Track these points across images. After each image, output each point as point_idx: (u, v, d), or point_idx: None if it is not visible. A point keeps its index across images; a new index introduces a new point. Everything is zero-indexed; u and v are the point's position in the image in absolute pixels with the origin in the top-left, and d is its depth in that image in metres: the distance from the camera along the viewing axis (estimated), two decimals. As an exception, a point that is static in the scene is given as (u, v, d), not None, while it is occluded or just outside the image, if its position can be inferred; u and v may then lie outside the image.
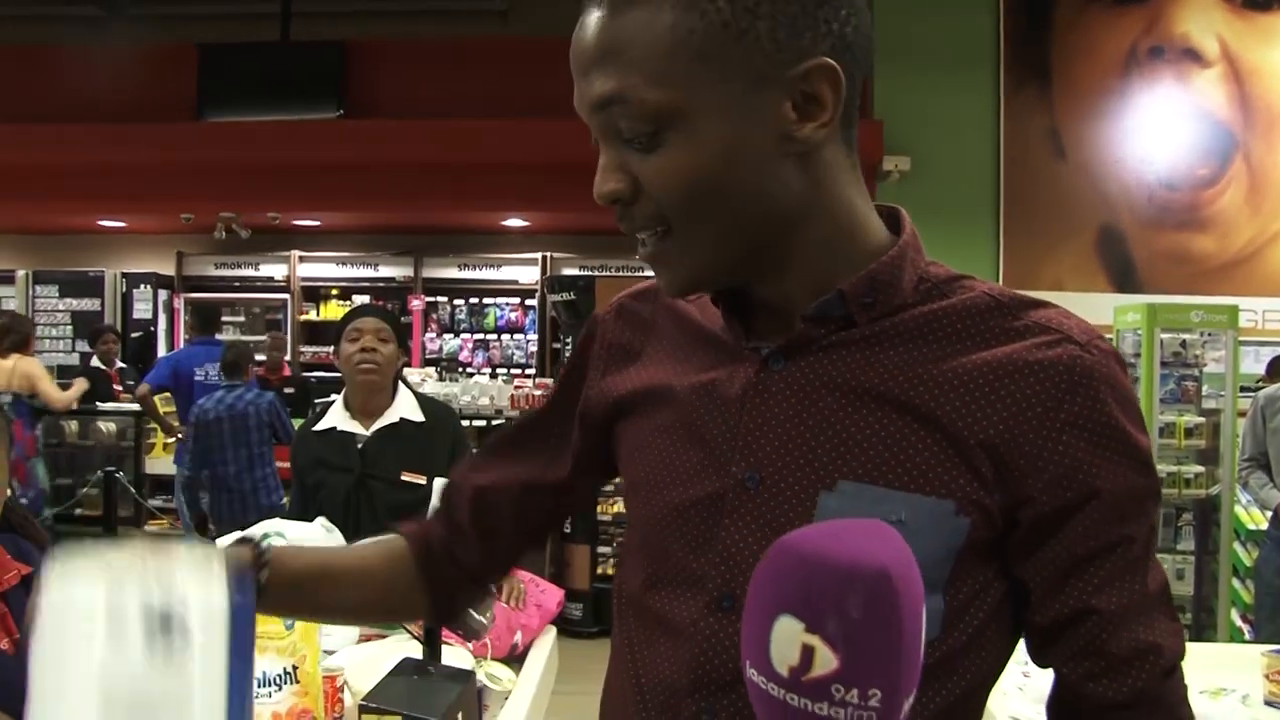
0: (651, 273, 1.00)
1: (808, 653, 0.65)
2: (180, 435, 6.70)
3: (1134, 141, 7.44)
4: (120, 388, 8.03)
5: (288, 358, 9.09)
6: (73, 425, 7.71)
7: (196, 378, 6.68)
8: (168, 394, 6.78)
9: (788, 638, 0.66)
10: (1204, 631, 5.34)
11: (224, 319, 10.12)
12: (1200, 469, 5.43)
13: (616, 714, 1.06)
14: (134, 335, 10.22)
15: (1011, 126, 7.47)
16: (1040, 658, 0.96)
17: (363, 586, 1.22)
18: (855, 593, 0.64)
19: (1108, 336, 6.02)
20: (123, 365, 8.38)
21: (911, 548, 0.88)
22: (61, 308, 10.48)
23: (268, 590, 1.04)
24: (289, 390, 7.30)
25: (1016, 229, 7.48)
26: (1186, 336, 5.45)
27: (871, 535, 0.68)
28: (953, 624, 0.92)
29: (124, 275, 10.40)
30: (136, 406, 7.04)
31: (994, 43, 7.49)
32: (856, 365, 0.94)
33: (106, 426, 7.62)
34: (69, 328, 10.31)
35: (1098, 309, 6.32)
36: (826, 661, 0.65)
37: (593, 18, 0.91)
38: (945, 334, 0.94)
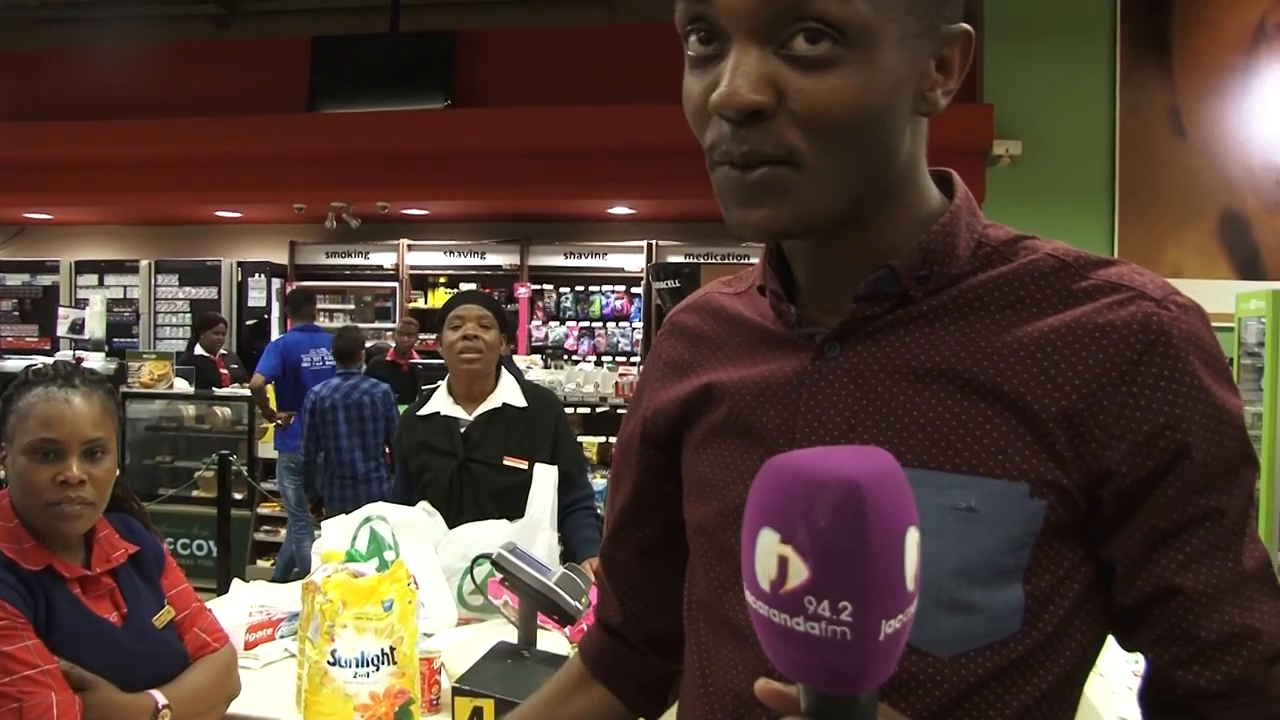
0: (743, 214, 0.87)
1: (783, 564, 0.65)
2: (279, 421, 6.84)
3: (1261, 121, 7.12)
4: (225, 372, 8.24)
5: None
6: (190, 410, 7.95)
7: (304, 364, 6.82)
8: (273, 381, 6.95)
9: (767, 549, 0.66)
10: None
11: (336, 307, 10.34)
12: (1328, 462, 5.20)
13: (689, 717, 1.03)
14: (248, 323, 10.50)
15: (1129, 105, 7.20)
16: (1127, 641, 0.90)
17: None
18: (823, 500, 0.63)
19: (1229, 326, 5.78)
20: (224, 352, 8.58)
21: (985, 535, 0.85)
22: (181, 296, 10.81)
23: None
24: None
25: (1133, 213, 7.22)
26: (1315, 324, 5.22)
27: (857, 454, 0.67)
28: (1036, 614, 0.86)
29: (239, 264, 10.69)
30: (248, 392, 7.22)
31: (1110, 18, 7.22)
32: (916, 345, 0.89)
33: (222, 411, 7.83)
34: (187, 315, 10.63)
35: (1219, 296, 6.10)
36: (799, 572, 0.64)
37: None
38: (1008, 302, 0.88)
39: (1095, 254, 0.91)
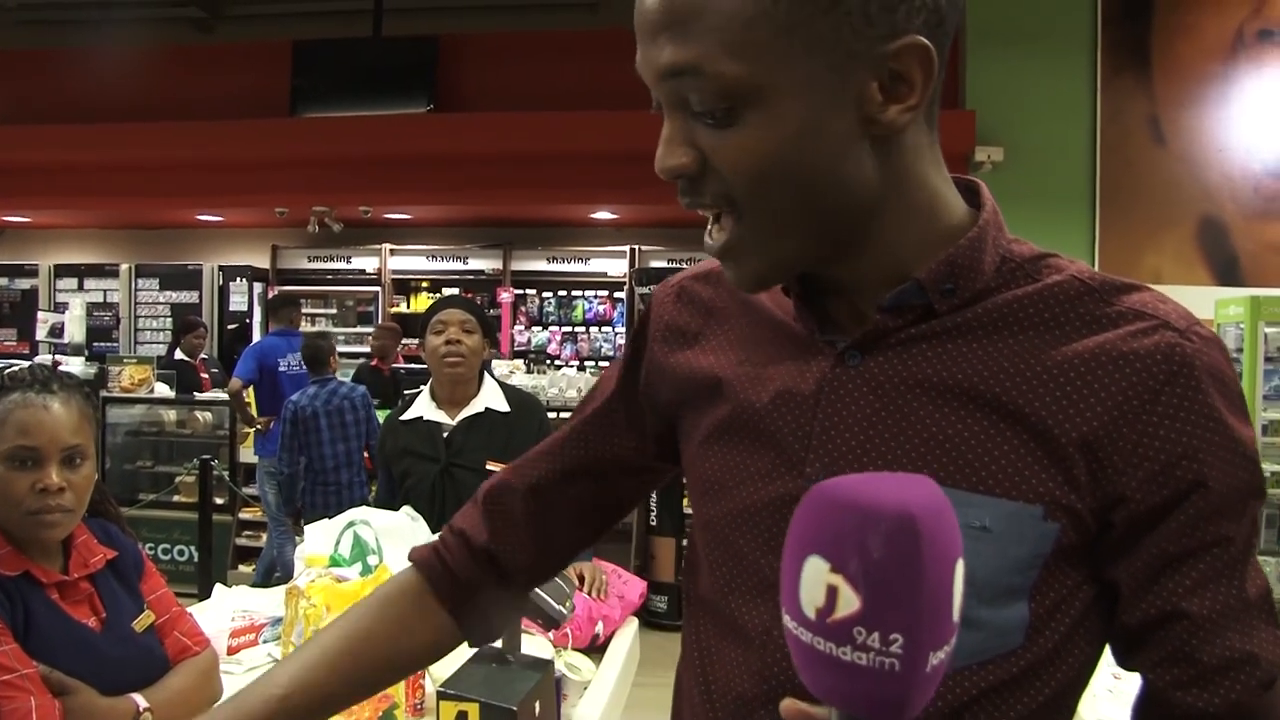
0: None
1: (832, 593, 0.64)
2: (259, 426, 6.80)
3: (1239, 129, 7.17)
4: (206, 376, 8.19)
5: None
6: (171, 414, 7.90)
7: (280, 369, 6.78)
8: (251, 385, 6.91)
9: (815, 577, 0.65)
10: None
11: (318, 312, 10.30)
12: (1306, 468, 5.24)
13: (686, 715, 1.03)
14: (230, 327, 10.45)
15: (1109, 113, 7.25)
16: (1126, 661, 0.90)
17: (366, 656, 1.12)
18: (877, 532, 0.63)
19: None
20: (205, 357, 8.52)
21: (996, 554, 0.85)
22: (162, 300, 10.76)
23: None
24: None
25: (1113, 219, 7.27)
26: (1293, 330, 5.26)
27: (906, 482, 0.66)
28: (1038, 631, 0.87)
29: (221, 268, 10.65)
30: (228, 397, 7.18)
31: (1091, 26, 7.27)
32: (939, 360, 0.89)
33: (203, 416, 7.79)
34: (168, 320, 10.57)
35: (1198, 302, 6.10)
36: (849, 602, 0.64)
37: None
38: (1033, 323, 0.88)
39: (1119, 278, 0.91)
